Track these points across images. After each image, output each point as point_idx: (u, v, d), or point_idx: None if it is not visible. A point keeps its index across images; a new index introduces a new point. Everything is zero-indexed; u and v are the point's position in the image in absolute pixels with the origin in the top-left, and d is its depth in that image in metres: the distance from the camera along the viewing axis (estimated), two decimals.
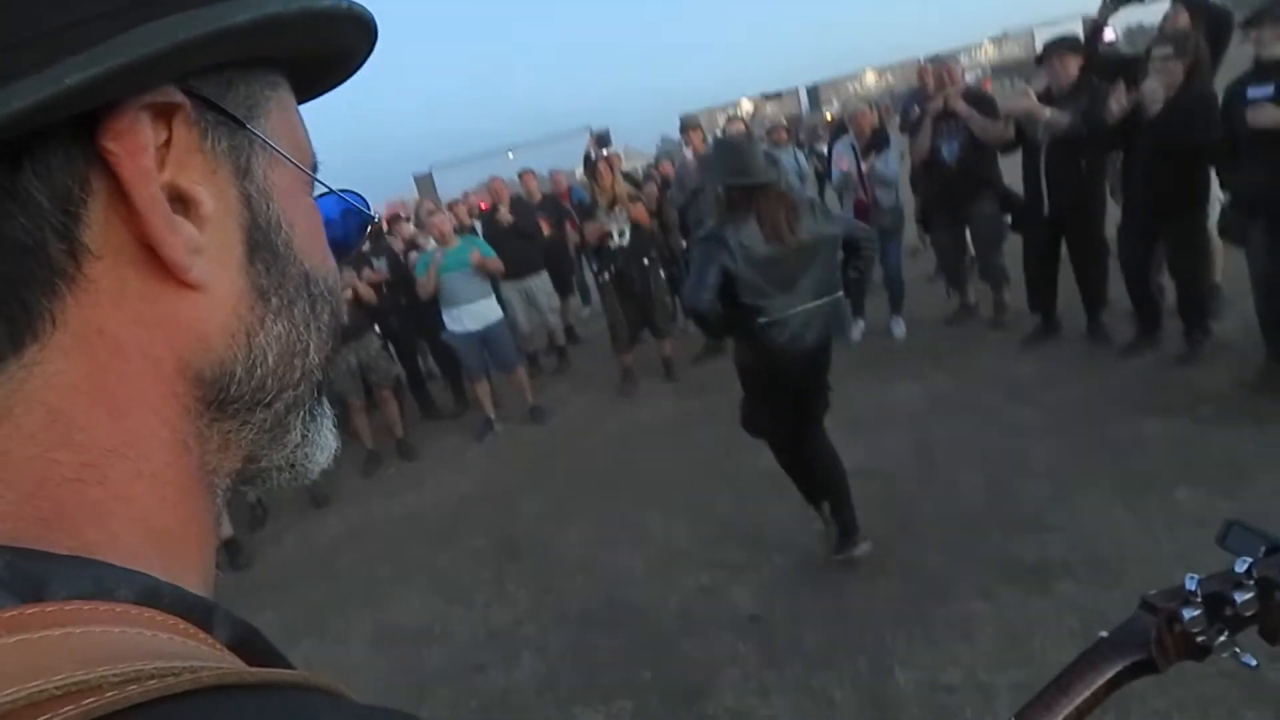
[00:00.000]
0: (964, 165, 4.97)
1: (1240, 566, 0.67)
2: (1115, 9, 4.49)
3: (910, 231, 6.08)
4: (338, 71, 0.38)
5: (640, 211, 5.60)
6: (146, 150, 0.27)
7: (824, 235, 2.76)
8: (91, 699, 0.21)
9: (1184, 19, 4.05)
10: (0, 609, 0.23)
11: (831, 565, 3.03)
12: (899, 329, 5.62)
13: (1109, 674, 0.65)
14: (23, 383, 0.26)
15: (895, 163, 5.50)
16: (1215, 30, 3.98)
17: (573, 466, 4.73)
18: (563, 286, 7.06)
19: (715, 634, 2.82)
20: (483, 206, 6.97)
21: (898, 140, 5.72)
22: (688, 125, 6.36)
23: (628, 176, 7.62)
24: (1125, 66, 4.33)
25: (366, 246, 5.56)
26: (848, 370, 5.18)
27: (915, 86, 6.50)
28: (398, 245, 6.39)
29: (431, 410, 6.36)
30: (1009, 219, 5.09)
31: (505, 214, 6.19)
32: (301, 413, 0.36)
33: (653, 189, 6.39)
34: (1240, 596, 0.65)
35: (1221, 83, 3.80)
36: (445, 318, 5.44)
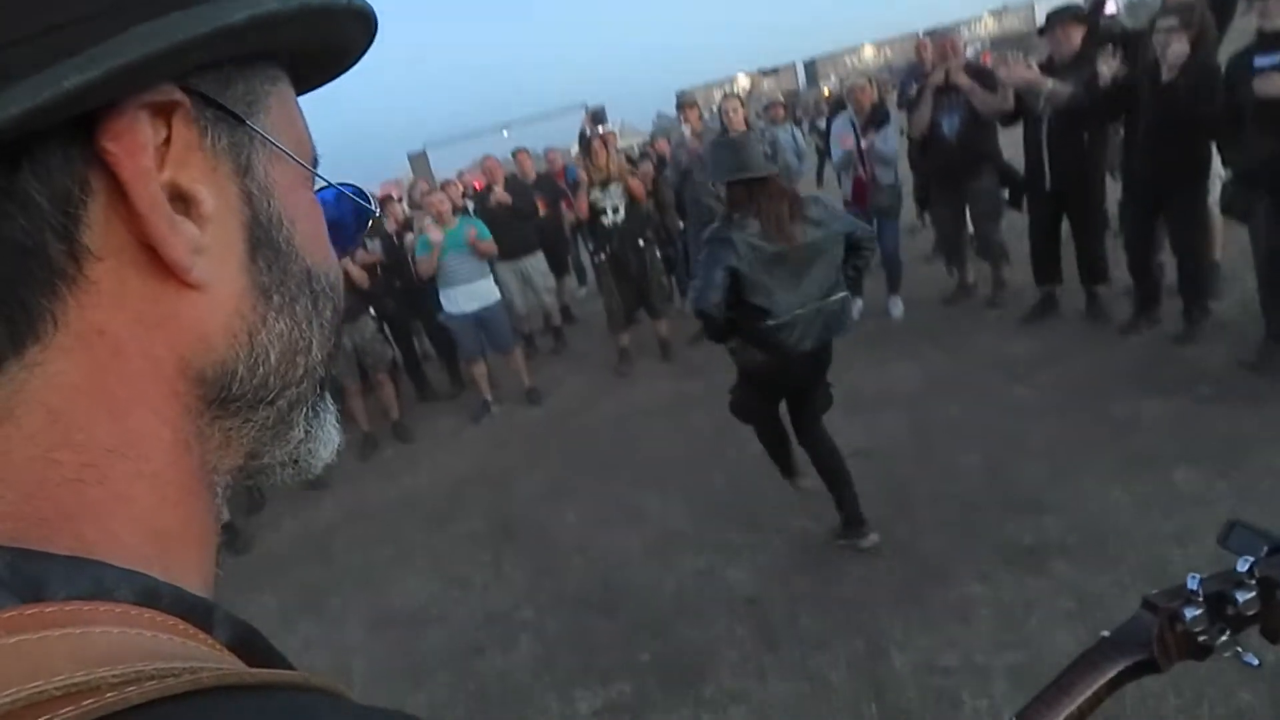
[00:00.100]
0: (964, 140, 4.92)
1: (1242, 566, 0.66)
2: None
3: (908, 210, 6.02)
4: (336, 64, 0.38)
5: (636, 185, 5.54)
6: (146, 150, 0.27)
7: (828, 233, 2.74)
8: (91, 700, 0.21)
9: None
10: (0, 609, 0.23)
11: (829, 547, 3.03)
12: (897, 309, 5.59)
13: (1110, 673, 0.65)
14: (24, 383, 0.26)
15: (895, 140, 5.43)
16: (1220, 2, 3.92)
17: (569, 448, 4.72)
18: (558, 266, 7.01)
19: (712, 616, 2.82)
20: (477, 186, 6.91)
21: (896, 117, 5.65)
22: (684, 102, 6.27)
23: (624, 154, 7.54)
24: (1127, 39, 4.26)
25: None
26: (845, 351, 5.15)
27: (913, 61, 6.41)
28: (391, 226, 6.33)
29: (427, 392, 6.34)
30: (1007, 194, 5.05)
31: (500, 194, 6.12)
32: (304, 409, 0.36)
33: (648, 168, 6.33)
34: (1242, 596, 0.65)
35: (1223, 58, 3.75)
36: (442, 298, 5.40)
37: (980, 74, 4.92)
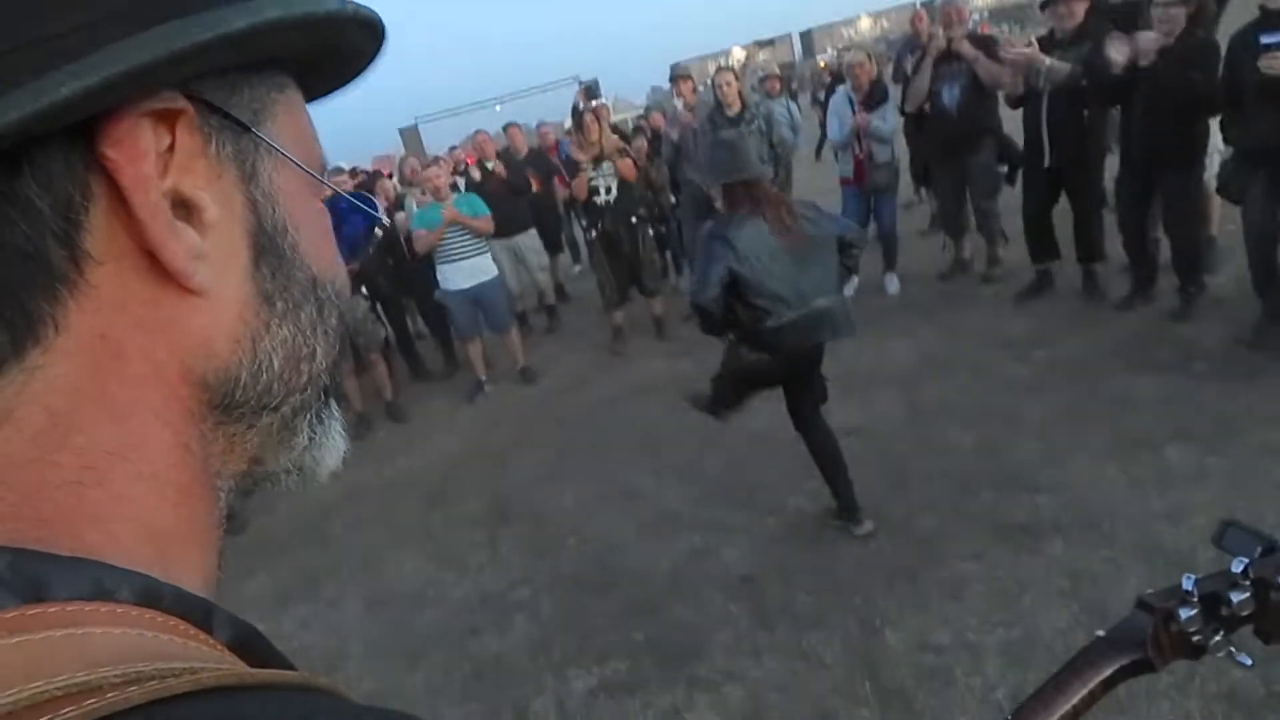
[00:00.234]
0: (965, 111, 4.85)
1: (1236, 567, 0.67)
2: None
3: (904, 186, 5.98)
4: (345, 72, 0.38)
5: (627, 167, 5.47)
6: (147, 156, 0.27)
7: (823, 235, 2.73)
8: (92, 700, 0.21)
9: None
10: (2, 609, 0.23)
11: (823, 526, 3.04)
12: (893, 285, 5.57)
13: (1105, 673, 0.66)
14: (24, 386, 0.27)
15: (893, 118, 5.36)
16: None
17: (564, 428, 4.71)
18: (552, 244, 6.95)
19: (707, 596, 2.83)
20: (469, 161, 6.82)
21: (893, 93, 5.57)
22: (677, 75, 6.18)
23: (616, 129, 7.44)
24: (1129, 12, 4.20)
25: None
26: None
27: (909, 34, 6.32)
28: (382, 203, 6.25)
29: (421, 372, 6.31)
30: (1004, 169, 5.00)
31: (498, 167, 6.04)
32: (309, 416, 0.36)
33: (642, 143, 6.25)
34: (1236, 596, 0.66)
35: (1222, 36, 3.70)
36: (439, 275, 5.35)
37: (984, 43, 4.84)
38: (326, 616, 3.36)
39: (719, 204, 2.85)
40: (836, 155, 5.72)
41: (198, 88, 0.29)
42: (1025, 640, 2.27)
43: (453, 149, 9.62)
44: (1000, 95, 4.80)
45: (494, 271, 5.47)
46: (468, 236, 5.23)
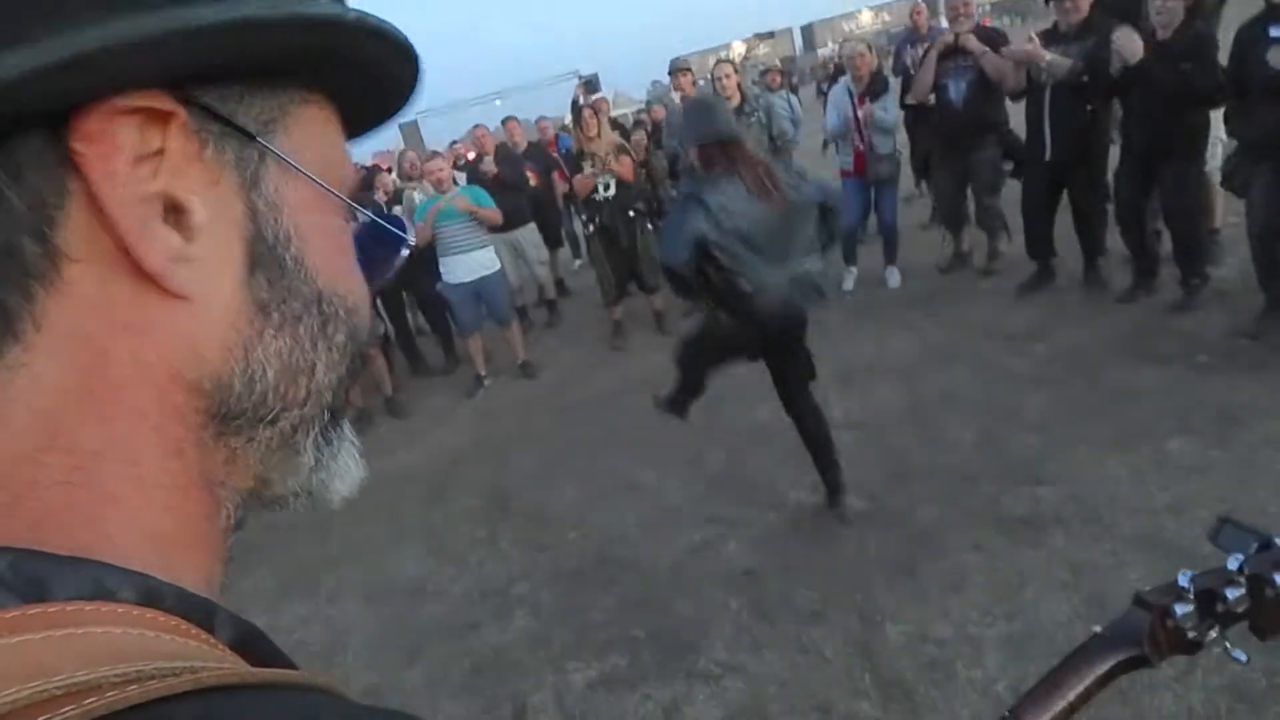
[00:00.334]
0: (971, 107, 4.82)
1: (1232, 564, 0.68)
2: None
3: (906, 179, 5.95)
4: (387, 99, 0.38)
5: (626, 167, 5.45)
6: (120, 154, 0.27)
7: (803, 199, 2.66)
8: (92, 699, 0.21)
9: None
10: (2, 609, 0.23)
11: (823, 520, 3.03)
12: (894, 278, 5.55)
13: (1102, 669, 0.66)
14: (7, 384, 0.27)
15: (894, 109, 5.33)
16: None
17: (564, 422, 4.70)
18: (551, 238, 6.93)
19: (707, 590, 2.82)
20: (469, 157, 6.81)
21: (894, 85, 5.54)
22: (677, 69, 6.15)
23: (616, 123, 7.41)
24: (1129, 6, 4.16)
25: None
26: (841, 321, 5.15)
27: (909, 27, 6.28)
28: (380, 198, 6.24)
29: (421, 367, 6.31)
30: (1009, 165, 4.97)
31: (490, 164, 6.03)
32: (312, 434, 0.35)
33: (641, 137, 6.23)
34: (1232, 593, 0.66)
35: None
36: (441, 267, 5.34)
37: (991, 37, 4.80)
38: (326, 611, 3.36)
39: (695, 166, 2.76)
40: (837, 147, 5.70)
41: (196, 93, 0.29)
42: (1026, 633, 2.26)
43: (453, 144, 9.60)
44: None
45: (497, 265, 5.46)
46: (471, 229, 5.22)
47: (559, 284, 7.22)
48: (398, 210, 5.88)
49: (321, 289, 0.34)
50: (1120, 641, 0.67)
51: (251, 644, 0.29)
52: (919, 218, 6.57)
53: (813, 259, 2.72)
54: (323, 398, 0.35)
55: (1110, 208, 4.51)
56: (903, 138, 5.51)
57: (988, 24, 5.67)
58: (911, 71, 5.85)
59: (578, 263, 8.40)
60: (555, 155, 7.01)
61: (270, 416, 0.33)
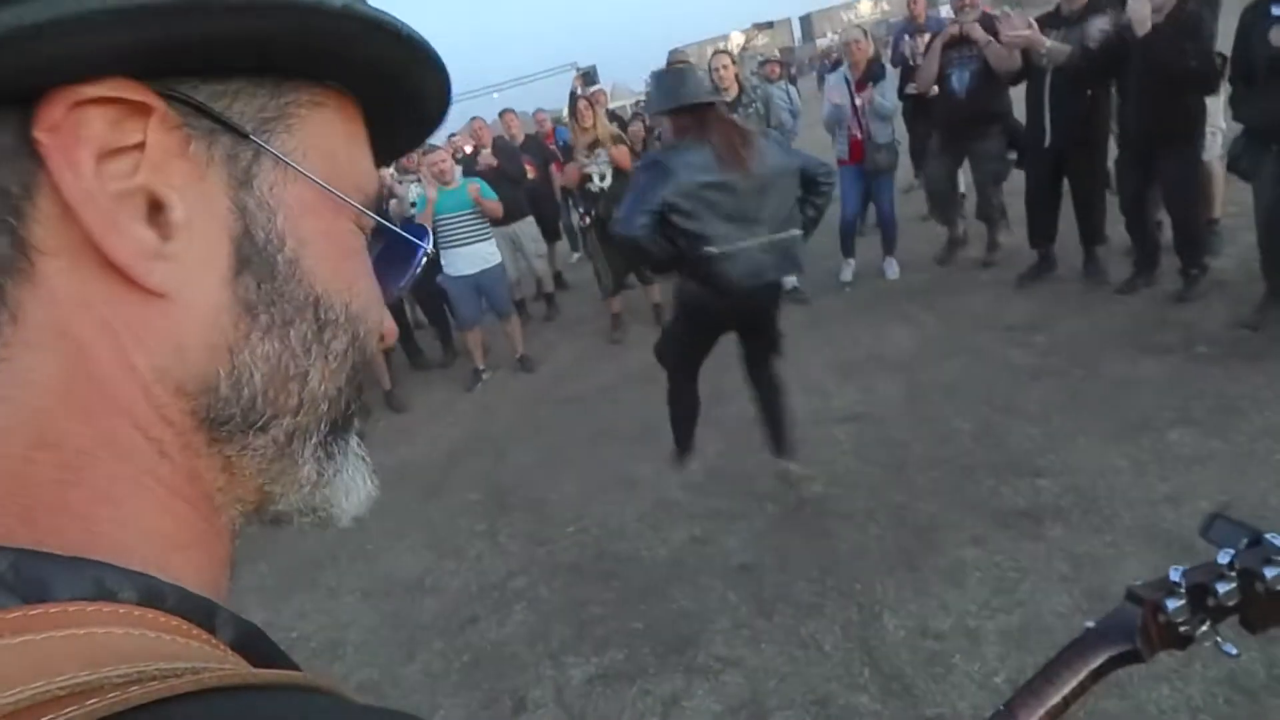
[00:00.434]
0: (975, 97, 4.79)
1: (1223, 558, 0.68)
2: None
3: (905, 169, 5.93)
4: (413, 103, 0.38)
5: (622, 154, 5.42)
6: (83, 145, 0.27)
7: (780, 167, 2.61)
8: (95, 700, 0.21)
9: None
10: (4, 610, 0.23)
11: (822, 513, 3.03)
12: (892, 270, 5.53)
13: (1095, 664, 0.67)
14: None
15: (893, 95, 5.29)
16: None
17: (563, 416, 4.69)
18: (549, 232, 6.90)
19: (706, 584, 2.82)
20: (466, 150, 6.78)
21: (892, 73, 5.51)
22: (675, 60, 6.11)
23: (614, 115, 7.38)
24: None
25: None
26: (839, 313, 5.14)
27: (908, 17, 6.25)
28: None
29: (420, 361, 6.30)
30: (1013, 156, 4.94)
31: (488, 156, 6.00)
32: (309, 445, 0.34)
33: (639, 128, 6.19)
34: (1222, 587, 0.67)
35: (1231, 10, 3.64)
36: (441, 260, 5.33)
37: (995, 26, 4.77)
38: (325, 605, 3.36)
39: (667, 133, 2.74)
40: (834, 135, 5.67)
41: (181, 87, 0.29)
42: (1025, 626, 2.26)
43: (451, 136, 9.55)
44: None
45: (498, 258, 5.45)
46: (472, 222, 5.20)
47: (557, 277, 7.21)
48: (394, 204, 5.85)
49: (320, 293, 0.33)
50: (1112, 636, 0.67)
51: (253, 644, 0.29)
52: (917, 209, 6.55)
53: (789, 228, 2.66)
54: (318, 407, 0.34)
55: (1111, 197, 4.49)
56: (901, 128, 5.47)
57: (989, 11, 5.64)
58: (911, 62, 5.82)
59: (576, 256, 8.37)
60: (553, 148, 6.98)
61: (260, 423, 0.32)
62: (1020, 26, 4.37)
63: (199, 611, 0.27)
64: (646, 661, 2.52)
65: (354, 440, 0.37)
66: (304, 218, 0.33)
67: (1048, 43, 4.17)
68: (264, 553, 3.82)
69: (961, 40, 4.77)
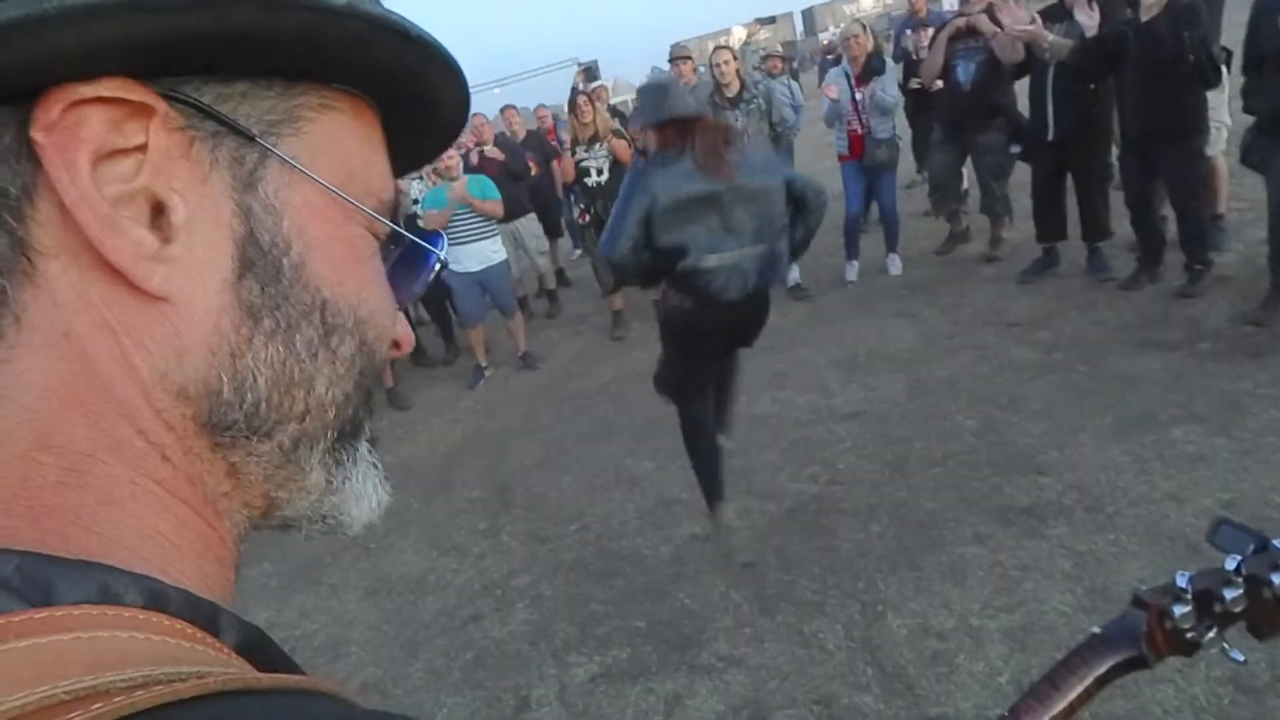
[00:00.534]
0: (979, 88, 4.76)
1: (1230, 564, 0.68)
2: None
3: (906, 165, 5.90)
4: (429, 107, 0.38)
5: (621, 147, 5.41)
6: (81, 145, 0.26)
7: (766, 179, 2.57)
8: (100, 704, 0.21)
9: None
10: (9, 613, 0.23)
11: (824, 511, 3.02)
12: (895, 266, 5.52)
13: (1100, 669, 0.67)
14: None
15: (894, 89, 5.27)
16: None
17: (565, 414, 4.69)
18: (551, 228, 6.89)
19: (708, 582, 2.82)
20: (468, 146, 6.76)
21: (892, 68, 5.47)
22: (676, 55, 6.08)
23: (616, 111, 7.35)
24: None
25: None
26: (842, 309, 5.13)
27: (909, 11, 6.22)
28: None
29: (422, 359, 6.29)
30: (1016, 149, 4.92)
31: (495, 152, 5.99)
32: (316, 451, 0.34)
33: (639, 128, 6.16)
34: (1229, 593, 0.66)
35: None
36: (448, 256, 5.32)
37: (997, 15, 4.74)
38: (328, 604, 3.36)
39: (651, 147, 2.66)
40: (835, 131, 5.65)
41: (184, 88, 0.29)
42: (1029, 624, 2.25)
43: None
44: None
45: (503, 256, 5.45)
46: (477, 219, 5.20)
47: (559, 274, 7.20)
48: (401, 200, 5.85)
49: (326, 298, 0.32)
50: (1118, 642, 0.67)
51: (257, 648, 0.29)
52: (920, 205, 6.53)
53: (767, 242, 2.61)
54: (325, 413, 0.33)
55: (1115, 191, 4.47)
56: (902, 123, 5.45)
57: (994, 1, 5.59)
58: (914, 56, 5.79)
59: (577, 252, 8.36)
60: (554, 144, 6.96)
61: (265, 429, 0.31)
62: (1021, 17, 4.35)
63: (203, 615, 0.27)
64: (649, 660, 2.52)
65: (364, 446, 0.37)
66: (311, 221, 0.32)
67: (1050, 37, 4.15)
68: (267, 552, 3.83)
69: (967, 32, 4.75)
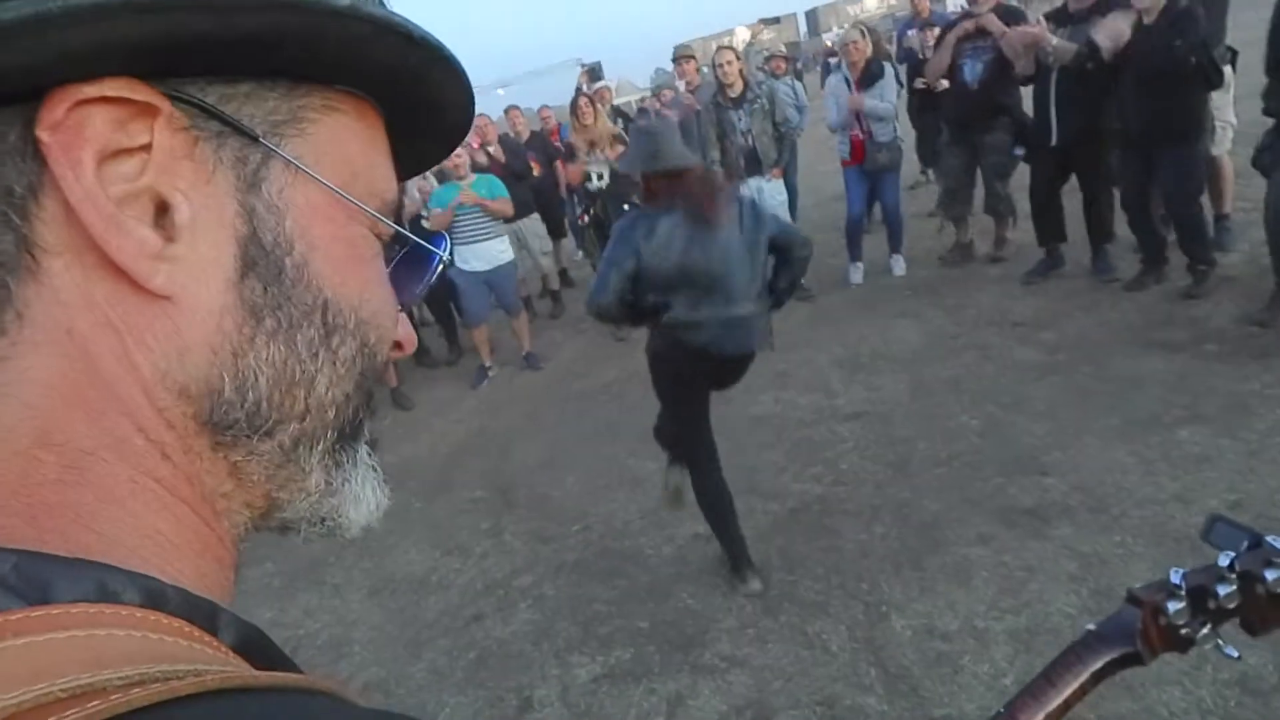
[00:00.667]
0: (985, 87, 4.75)
1: (1223, 560, 0.68)
2: None
3: (909, 165, 5.89)
4: (434, 111, 0.38)
5: (618, 156, 5.41)
6: (86, 144, 0.27)
7: (754, 236, 2.53)
8: (96, 702, 0.21)
9: None
10: (7, 611, 0.23)
11: (828, 511, 3.02)
12: (899, 267, 5.51)
13: (1095, 666, 0.67)
14: None
15: (892, 95, 5.26)
16: None
17: (568, 414, 4.69)
18: (555, 229, 6.89)
19: (711, 582, 2.81)
20: (474, 145, 6.77)
21: (890, 71, 5.45)
22: (680, 56, 6.09)
23: (620, 111, 7.36)
24: None
25: None
26: (845, 310, 5.12)
27: (913, 12, 6.21)
28: None
29: (426, 358, 6.30)
30: (1021, 151, 4.91)
31: (498, 152, 5.99)
32: (316, 452, 0.34)
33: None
34: (1223, 590, 0.67)
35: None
36: (455, 256, 5.34)
37: (1011, 17, 4.73)
38: (331, 603, 3.36)
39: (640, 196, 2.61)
40: (838, 136, 5.64)
41: (190, 89, 0.29)
42: (1033, 626, 2.24)
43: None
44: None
45: (510, 256, 5.47)
46: (485, 219, 5.21)
47: (562, 274, 7.20)
48: (404, 202, 5.86)
49: (328, 298, 0.33)
50: (1113, 638, 0.67)
51: (255, 647, 0.29)
52: (924, 206, 6.52)
53: (755, 300, 2.58)
54: (325, 413, 0.33)
55: (1118, 193, 4.46)
56: (905, 124, 5.44)
57: (1003, 2, 5.59)
58: (920, 55, 5.78)
59: (580, 253, 8.37)
60: (558, 145, 6.96)
61: (266, 428, 0.31)
62: (1023, 25, 4.35)
63: (201, 613, 0.27)
64: (652, 660, 2.52)
65: (364, 449, 0.37)
66: (314, 222, 0.32)
67: (1054, 40, 4.14)
68: (270, 552, 3.83)
69: (976, 32, 4.73)
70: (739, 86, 5.13)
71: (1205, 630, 0.68)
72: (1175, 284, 4.11)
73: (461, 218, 5.16)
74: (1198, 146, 3.93)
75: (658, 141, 2.55)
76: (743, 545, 2.75)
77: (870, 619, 2.45)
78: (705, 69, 6.79)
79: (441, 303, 6.00)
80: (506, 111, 6.93)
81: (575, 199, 6.96)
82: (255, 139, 0.30)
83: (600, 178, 5.41)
